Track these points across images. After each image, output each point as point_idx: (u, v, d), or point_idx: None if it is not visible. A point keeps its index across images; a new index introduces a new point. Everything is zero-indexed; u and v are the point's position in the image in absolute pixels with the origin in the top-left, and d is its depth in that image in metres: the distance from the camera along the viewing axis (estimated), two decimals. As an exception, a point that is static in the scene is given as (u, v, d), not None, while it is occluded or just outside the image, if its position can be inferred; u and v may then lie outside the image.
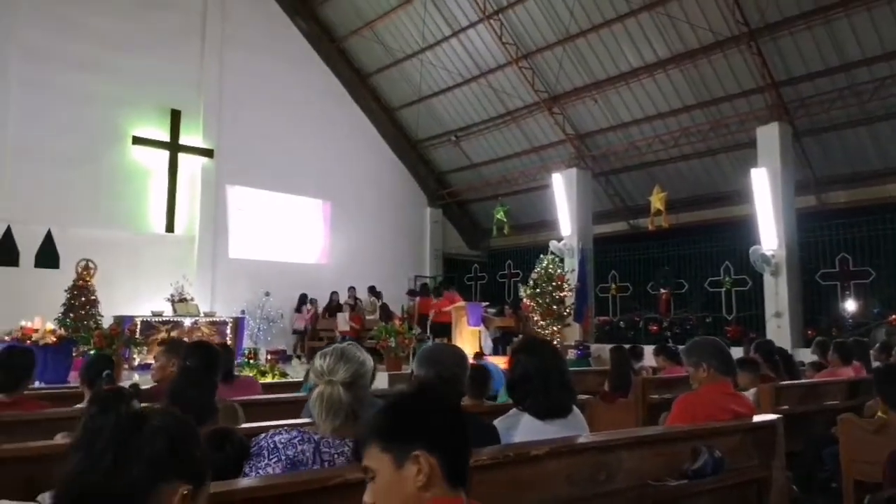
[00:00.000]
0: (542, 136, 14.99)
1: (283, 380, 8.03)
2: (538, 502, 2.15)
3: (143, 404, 2.13)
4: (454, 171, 17.42)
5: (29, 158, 11.60)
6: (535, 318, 12.53)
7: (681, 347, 3.58)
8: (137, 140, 12.94)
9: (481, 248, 18.44)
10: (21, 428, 2.93)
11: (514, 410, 2.50)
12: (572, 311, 12.83)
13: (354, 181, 15.91)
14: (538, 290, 12.55)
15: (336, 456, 1.84)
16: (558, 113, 14.08)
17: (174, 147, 13.38)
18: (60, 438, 2.58)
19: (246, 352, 10.98)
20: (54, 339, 8.08)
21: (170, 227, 13.21)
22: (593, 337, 13.30)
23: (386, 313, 13.30)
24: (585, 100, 13.58)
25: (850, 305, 11.62)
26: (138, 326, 10.57)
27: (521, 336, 11.05)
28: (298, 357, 13.50)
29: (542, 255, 13.07)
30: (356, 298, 14.53)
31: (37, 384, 6.11)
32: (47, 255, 11.61)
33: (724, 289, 13.42)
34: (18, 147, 11.54)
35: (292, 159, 14.81)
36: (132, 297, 11.75)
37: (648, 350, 7.96)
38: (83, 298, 10.37)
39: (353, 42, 15.81)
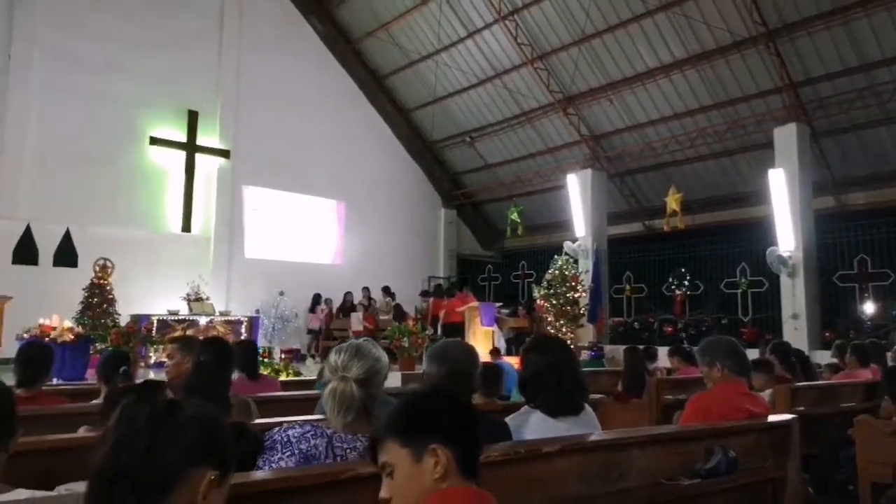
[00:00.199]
0: (556, 136, 14.95)
1: (297, 378, 8.05)
2: (550, 500, 2.15)
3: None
4: (469, 171, 17.42)
5: (48, 158, 11.77)
6: (549, 319, 12.49)
7: (695, 348, 3.55)
8: (155, 141, 13.08)
9: (495, 249, 18.42)
10: (39, 422, 2.98)
11: (525, 408, 2.50)
12: (586, 312, 12.78)
13: (369, 182, 15.97)
14: (552, 290, 12.51)
15: (349, 451, 1.85)
16: (573, 114, 14.04)
17: (191, 147, 13.51)
18: (84, 431, 2.62)
19: (261, 351, 11.04)
20: (72, 337, 8.16)
21: (186, 227, 13.34)
22: (607, 338, 13.24)
23: (399, 313, 13.32)
24: (601, 100, 13.53)
25: (869, 307, 11.47)
26: (154, 325, 10.68)
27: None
28: (313, 356, 13.56)
29: (556, 256, 13.03)
30: (370, 298, 14.56)
31: (55, 381, 6.18)
32: (66, 254, 11.77)
33: (740, 290, 13.30)
34: (38, 147, 11.72)
35: (308, 160, 14.89)
36: (149, 295, 11.87)
37: (663, 351, 7.91)
38: (101, 297, 10.50)
39: (368, 43, 15.87)
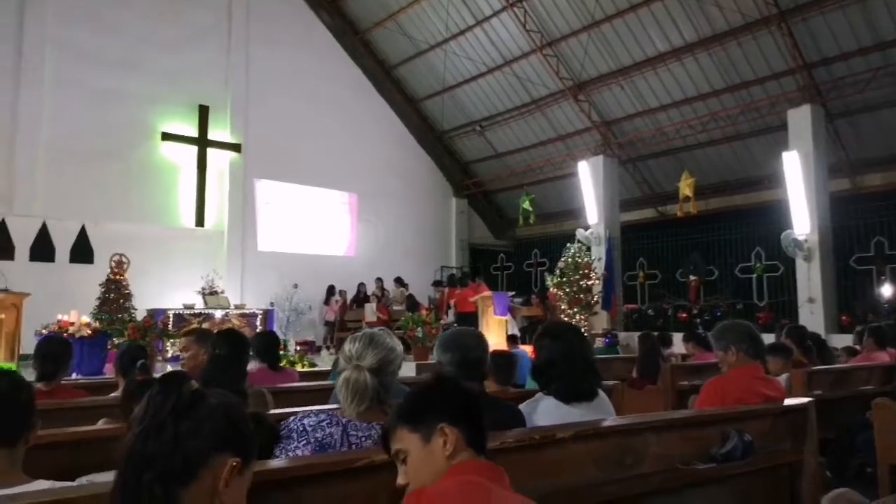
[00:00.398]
0: (567, 123, 14.86)
1: (312, 369, 8.11)
2: (565, 485, 2.15)
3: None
4: (479, 161, 17.38)
5: (62, 156, 11.88)
6: (563, 307, 12.47)
7: (710, 333, 3.53)
8: (167, 136, 13.16)
9: (507, 238, 18.39)
10: (59, 415, 3.02)
11: (539, 395, 2.51)
12: (600, 300, 12.75)
13: (380, 173, 15.97)
14: (565, 278, 12.48)
15: (363, 439, 1.86)
16: (584, 100, 13.94)
17: (202, 142, 13.58)
18: (103, 424, 2.66)
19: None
20: (90, 333, 8.24)
21: (199, 222, 13.44)
22: (621, 325, 13.20)
23: (413, 303, 13.36)
24: (612, 86, 13.42)
25: (887, 290, 11.34)
26: (171, 319, 10.78)
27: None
28: (328, 348, 13.64)
29: (568, 244, 12.98)
30: (383, 289, 14.61)
31: (74, 376, 6.26)
32: (82, 251, 11.90)
33: (755, 275, 13.21)
34: (52, 144, 11.83)
35: (318, 152, 14.92)
36: (164, 290, 11.99)
37: (678, 338, 7.88)
38: (117, 292, 10.60)
39: (376, 34, 15.83)
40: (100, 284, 10.62)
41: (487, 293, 12.12)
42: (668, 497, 2.39)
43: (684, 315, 12.89)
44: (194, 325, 10.55)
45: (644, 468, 2.33)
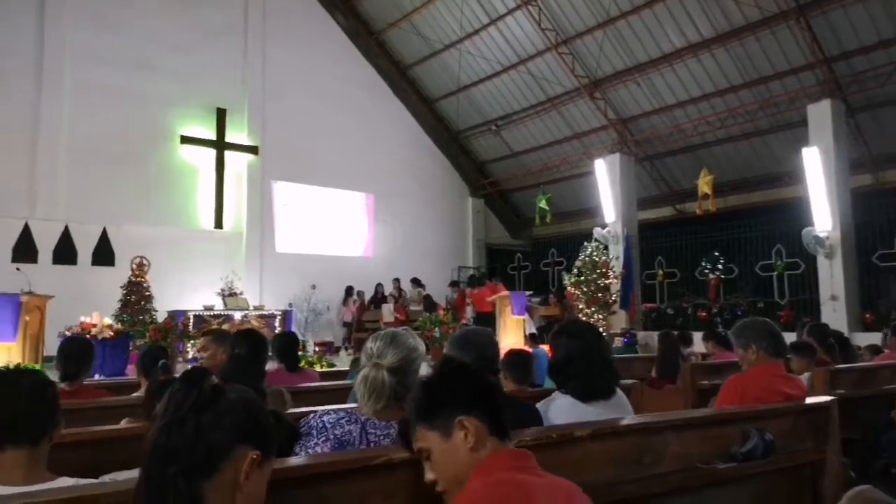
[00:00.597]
0: (583, 122, 14.80)
1: (331, 369, 8.15)
2: (583, 484, 2.13)
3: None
4: (495, 160, 17.35)
5: (83, 160, 12.05)
6: (580, 307, 12.41)
7: (730, 331, 3.50)
8: (185, 139, 13.31)
9: (524, 237, 18.35)
10: (83, 415, 3.06)
11: (556, 393, 2.50)
12: (618, 299, 12.67)
13: (396, 173, 16.02)
14: (582, 278, 12.42)
15: (382, 437, 1.87)
16: (600, 98, 13.87)
17: (220, 145, 13.71)
18: (125, 423, 2.70)
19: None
20: (112, 334, 8.34)
21: (218, 224, 13.56)
22: (640, 324, 13.11)
23: (430, 304, 13.37)
24: (628, 83, 13.34)
25: (911, 287, 11.16)
26: (191, 320, 10.87)
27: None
28: (346, 349, 13.70)
29: (585, 243, 12.93)
30: (400, 290, 14.65)
31: (96, 377, 6.35)
32: (103, 253, 12.06)
33: (776, 273, 13.04)
34: (73, 149, 12.00)
35: (334, 153, 15.00)
36: (184, 291, 12.11)
37: (697, 337, 7.81)
38: (138, 294, 10.73)
39: (391, 34, 15.87)
40: (121, 286, 10.76)
41: (505, 293, 12.10)
42: (688, 496, 2.36)
43: (704, 314, 12.77)
44: (213, 326, 10.66)
45: (663, 467, 2.32)
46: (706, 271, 13.65)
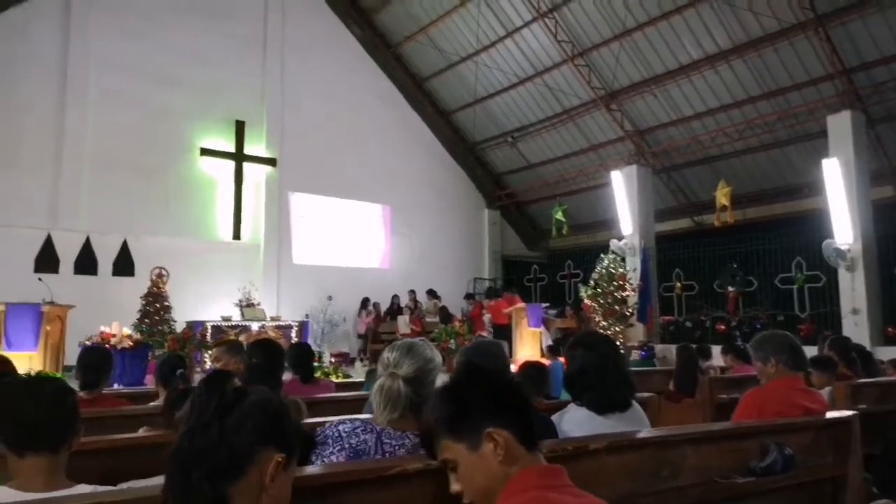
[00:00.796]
0: (599, 133, 14.78)
1: (347, 380, 8.17)
2: (600, 497, 2.12)
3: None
4: (511, 172, 17.36)
5: (104, 171, 12.23)
6: (597, 319, 12.34)
7: (749, 344, 3.46)
8: (205, 151, 13.48)
9: (540, 249, 18.30)
10: (101, 423, 3.09)
11: (570, 405, 2.49)
12: (635, 311, 12.57)
13: (413, 185, 16.08)
14: (599, 290, 12.35)
15: (397, 448, 1.87)
16: (616, 109, 13.85)
17: (239, 157, 13.86)
18: (144, 432, 2.72)
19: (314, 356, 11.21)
20: (131, 344, 8.44)
21: (236, 235, 13.69)
22: (658, 337, 13.00)
23: (445, 315, 13.36)
24: (644, 95, 13.31)
25: (935, 301, 10.97)
26: (209, 331, 10.94)
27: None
28: (361, 360, 13.72)
29: (602, 255, 12.86)
30: (416, 301, 14.65)
31: (115, 386, 6.41)
32: (124, 264, 12.22)
33: (796, 286, 12.89)
34: (95, 160, 12.20)
35: (351, 165, 15.10)
36: (202, 302, 12.22)
37: (716, 350, 7.72)
38: (157, 304, 10.84)
39: (408, 47, 15.99)
40: (141, 297, 10.89)
41: (521, 305, 12.07)
42: (707, 511, 2.34)
43: (723, 327, 12.64)
44: (228, 337, 10.73)
45: (681, 481, 2.29)
46: (727, 284, 13.53)
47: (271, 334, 11.48)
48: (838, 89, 10.94)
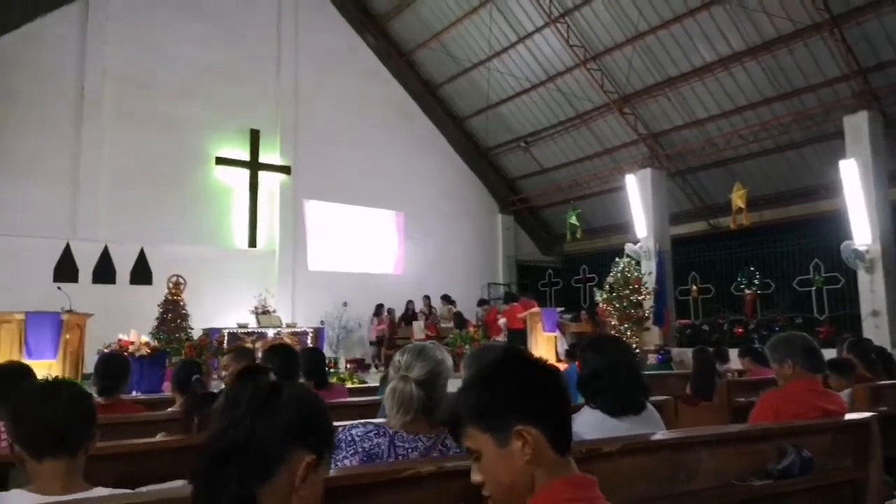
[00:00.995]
0: (613, 137, 14.73)
1: (362, 385, 8.21)
2: (615, 500, 2.11)
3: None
4: (525, 176, 17.35)
5: (122, 182, 12.39)
6: (613, 323, 12.27)
7: (766, 346, 3.43)
8: (220, 160, 13.60)
9: (555, 254, 18.25)
10: (119, 429, 3.12)
11: (584, 408, 2.48)
12: (651, 315, 12.49)
13: (426, 191, 16.11)
14: (614, 294, 12.28)
15: (409, 451, 1.87)
16: (629, 113, 13.81)
17: (254, 166, 13.98)
18: (161, 437, 2.75)
19: (327, 360, 11.25)
20: (149, 351, 8.50)
21: (252, 243, 13.78)
22: (674, 341, 12.89)
23: (460, 321, 13.36)
24: (658, 98, 13.26)
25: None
26: (225, 338, 11.02)
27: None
28: (376, 366, 13.73)
29: (617, 259, 12.79)
30: (430, 307, 14.66)
31: (133, 393, 6.46)
32: (141, 273, 12.34)
33: (814, 288, 12.76)
34: (113, 171, 12.35)
35: (366, 172, 15.16)
36: (219, 309, 12.29)
37: (734, 353, 7.65)
38: (175, 312, 10.94)
39: (421, 55, 16.05)
40: (158, 305, 10.98)
41: (536, 309, 12.03)
42: (723, 514, 2.32)
43: (740, 330, 12.52)
44: (243, 344, 10.79)
45: (697, 484, 2.27)
46: (742, 286, 13.41)
47: (287, 341, 11.55)
48: (854, 90, 10.83)
